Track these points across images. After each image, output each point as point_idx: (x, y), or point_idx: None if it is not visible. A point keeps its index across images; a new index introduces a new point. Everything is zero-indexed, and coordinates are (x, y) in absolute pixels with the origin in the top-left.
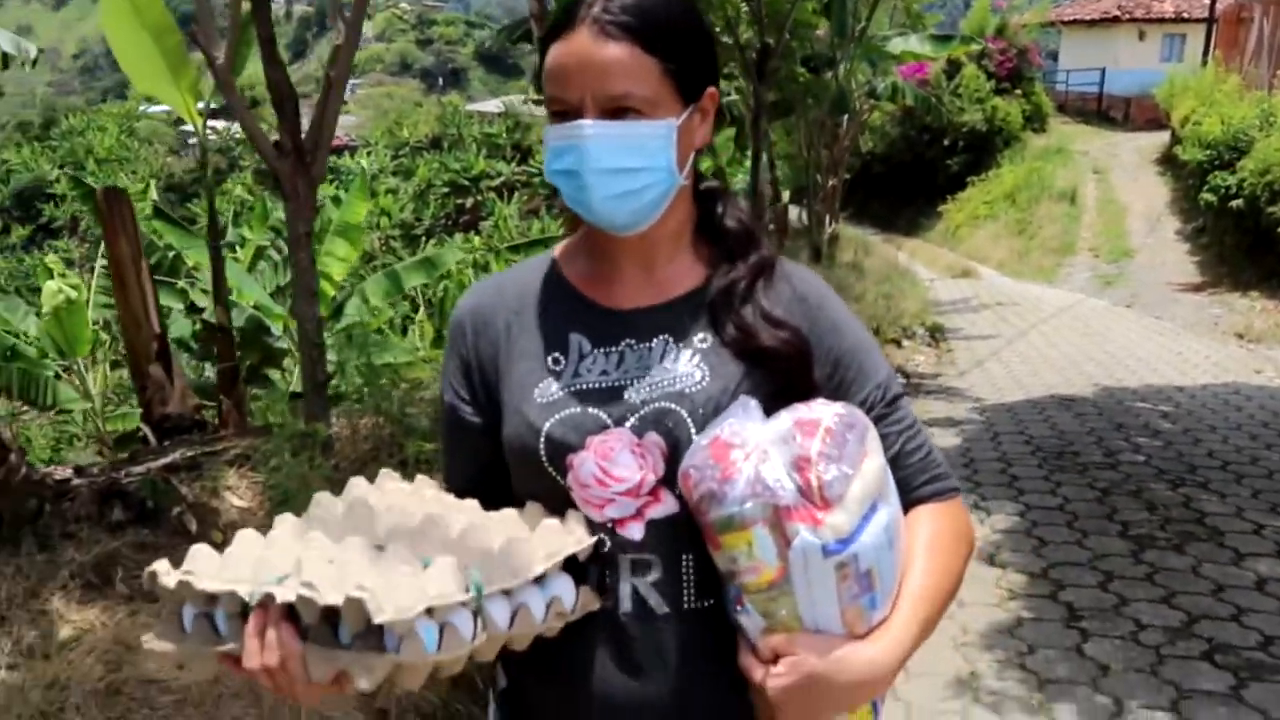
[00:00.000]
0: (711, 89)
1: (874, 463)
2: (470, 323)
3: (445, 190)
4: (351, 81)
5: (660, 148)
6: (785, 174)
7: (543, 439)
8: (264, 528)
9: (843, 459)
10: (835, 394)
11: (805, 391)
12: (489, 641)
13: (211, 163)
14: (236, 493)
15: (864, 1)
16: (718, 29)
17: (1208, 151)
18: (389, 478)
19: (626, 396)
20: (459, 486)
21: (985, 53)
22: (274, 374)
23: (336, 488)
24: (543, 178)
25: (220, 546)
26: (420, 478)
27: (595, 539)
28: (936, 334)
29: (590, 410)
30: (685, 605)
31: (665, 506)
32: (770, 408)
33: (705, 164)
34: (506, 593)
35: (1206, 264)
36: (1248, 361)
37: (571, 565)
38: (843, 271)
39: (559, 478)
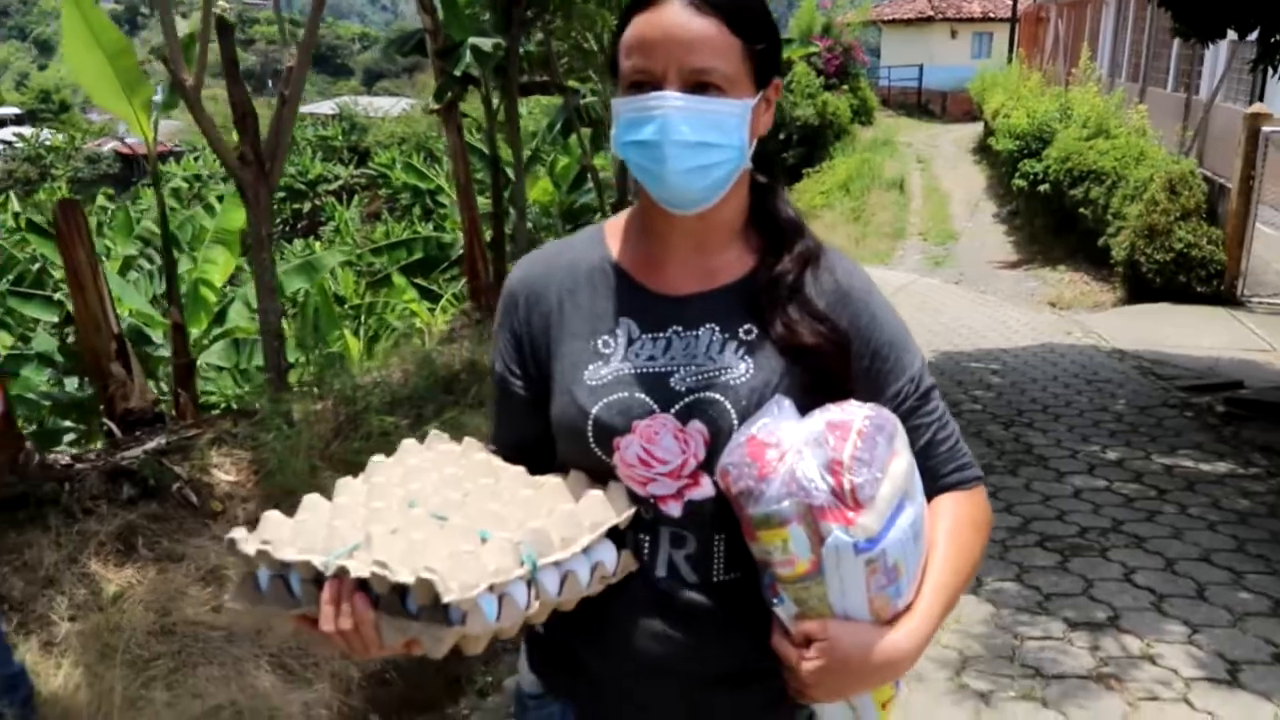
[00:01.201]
0: (777, 79)
1: (902, 462)
2: (524, 296)
3: (281, 195)
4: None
5: (737, 126)
6: None
7: (590, 422)
8: (253, 498)
9: (873, 462)
10: (872, 384)
11: (842, 383)
12: (541, 608)
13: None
14: (222, 469)
15: None
16: (590, 42)
17: (1017, 142)
18: (438, 439)
19: (672, 384)
20: (505, 451)
21: (813, 51)
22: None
23: (316, 456)
24: (383, 179)
25: (219, 516)
26: (468, 439)
27: (634, 510)
28: None
29: (637, 395)
30: (714, 578)
31: (703, 490)
32: (808, 399)
33: (563, 162)
34: (556, 563)
35: (1021, 243)
36: (1059, 325)
37: (612, 529)
38: None
39: (605, 457)
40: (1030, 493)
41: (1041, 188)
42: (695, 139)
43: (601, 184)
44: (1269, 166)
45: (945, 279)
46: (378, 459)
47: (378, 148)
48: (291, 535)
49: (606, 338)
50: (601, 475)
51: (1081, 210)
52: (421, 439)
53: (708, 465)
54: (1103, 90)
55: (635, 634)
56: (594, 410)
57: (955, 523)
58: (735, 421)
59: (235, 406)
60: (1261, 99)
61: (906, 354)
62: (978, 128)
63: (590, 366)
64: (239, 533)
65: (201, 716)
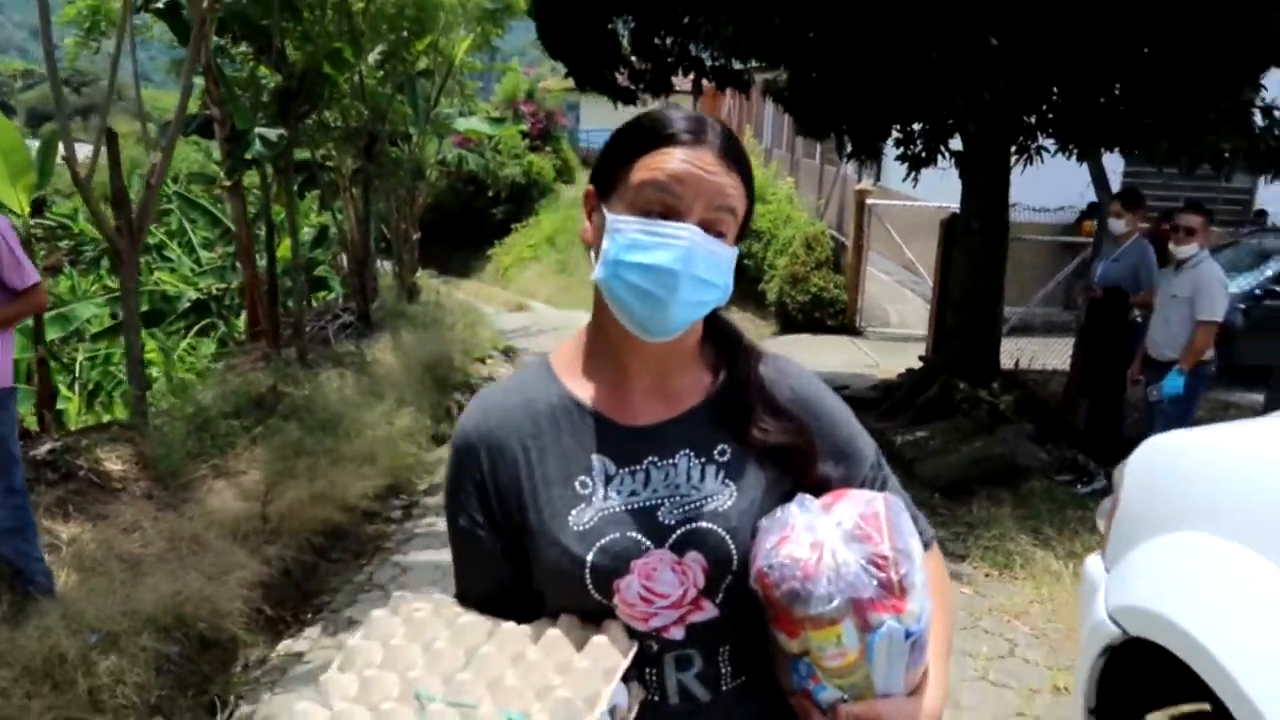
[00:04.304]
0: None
1: (919, 544)
2: (484, 448)
3: None
4: None
5: (729, 270)
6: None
7: (588, 569)
8: (142, 478)
9: (910, 550)
10: (841, 481)
11: (818, 481)
12: None
13: None
14: (110, 462)
15: (431, 87)
16: (338, 121)
17: None
18: (403, 600)
19: (660, 518)
20: (477, 603)
21: (519, 115)
22: None
23: (186, 448)
24: (64, 229)
25: (121, 491)
26: (438, 597)
27: (637, 645)
28: (510, 353)
29: (629, 534)
30: (723, 687)
31: (705, 614)
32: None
33: (295, 221)
34: None
35: None
36: None
37: None
38: (430, 309)
39: (604, 600)
40: None
41: None
42: (705, 276)
43: (331, 239)
44: (874, 229)
45: None
46: (353, 642)
47: (56, 196)
48: None
49: (583, 478)
50: (595, 614)
51: (745, 261)
52: (386, 604)
53: (708, 591)
54: (764, 161)
55: None
56: (589, 557)
57: (933, 581)
58: (732, 548)
59: (104, 422)
60: (878, 177)
61: (862, 440)
62: None
63: (573, 511)
64: None
65: (168, 596)
